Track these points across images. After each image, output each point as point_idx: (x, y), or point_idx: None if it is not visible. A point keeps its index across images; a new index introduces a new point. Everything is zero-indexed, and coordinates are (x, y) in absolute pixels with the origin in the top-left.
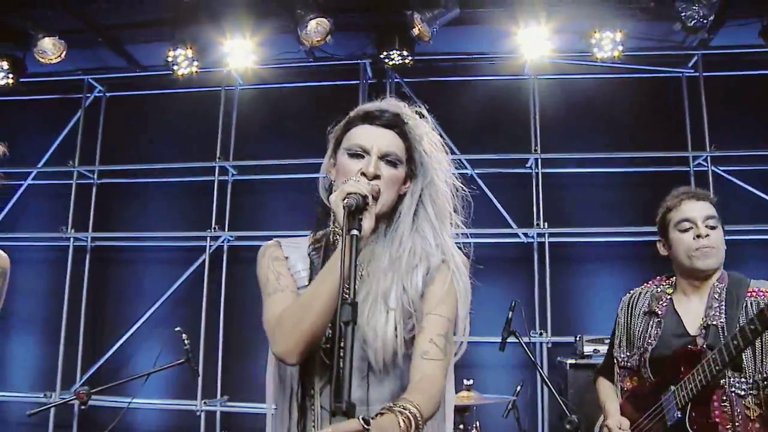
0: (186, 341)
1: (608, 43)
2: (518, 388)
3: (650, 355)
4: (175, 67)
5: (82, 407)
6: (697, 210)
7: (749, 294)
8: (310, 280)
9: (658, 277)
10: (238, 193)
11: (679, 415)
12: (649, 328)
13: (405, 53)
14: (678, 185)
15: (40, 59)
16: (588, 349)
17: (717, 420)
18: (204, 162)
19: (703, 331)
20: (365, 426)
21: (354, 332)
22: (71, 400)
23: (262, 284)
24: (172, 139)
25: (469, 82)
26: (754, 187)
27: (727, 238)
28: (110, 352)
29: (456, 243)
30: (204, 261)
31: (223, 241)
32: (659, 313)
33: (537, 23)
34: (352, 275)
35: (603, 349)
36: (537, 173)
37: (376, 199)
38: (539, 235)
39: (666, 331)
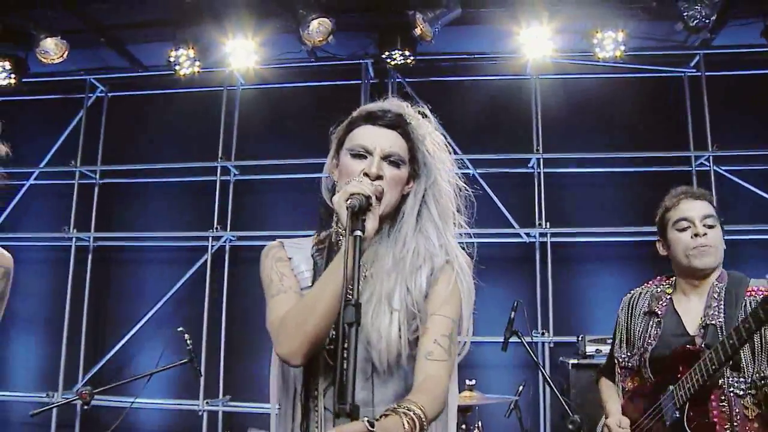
0: (188, 341)
1: (610, 43)
2: (520, 388)
3: (650, 355)
4: (177, 67)
5: (85, 407)
6: (695, 209)
7: (749, 293)
8: (314, 281)
9: (658, 277)
10: (240, 193)
11: (678, 415)
12: (649, 328)
13: (407, 53)
14: (680, 185)
15: (43, 59)
16: (590, 349)
17: (715, 420)
18: (206, 162)
19: (702, 330)
20: (370, 428)
21: (358, 333)
22: (74, 400)
23: (266, 285)
24: (174, 139)
25: (471, 82)
26: (756, 187)
27: (729, 237)
28: (112, 352)
29: (459, 243)
30: (206, 261)
31: (225, 241)
32: (659, 313)
33: (539, 23)
34: (356, 276)
35: (605, 349)
36: (539, 173)
37: (379, 199)
38: (541, 234)
39: (666, 331)
